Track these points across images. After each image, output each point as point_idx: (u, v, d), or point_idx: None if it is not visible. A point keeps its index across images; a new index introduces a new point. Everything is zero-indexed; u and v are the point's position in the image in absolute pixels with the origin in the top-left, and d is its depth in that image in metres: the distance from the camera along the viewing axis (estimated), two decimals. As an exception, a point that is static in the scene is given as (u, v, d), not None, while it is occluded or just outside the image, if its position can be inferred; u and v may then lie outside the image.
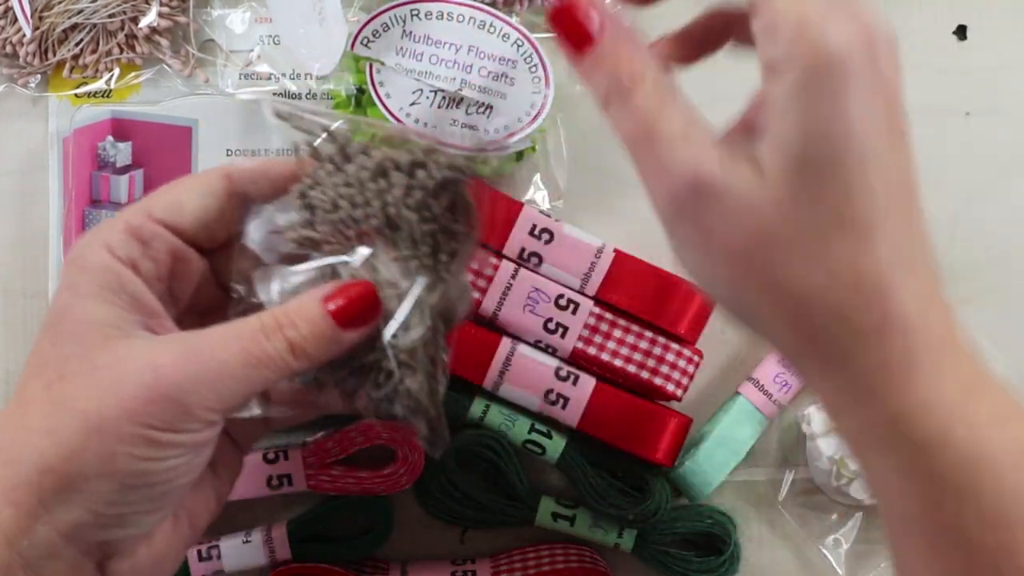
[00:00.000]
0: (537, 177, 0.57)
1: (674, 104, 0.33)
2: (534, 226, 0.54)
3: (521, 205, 0.54)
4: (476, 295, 0.53)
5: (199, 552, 0.53)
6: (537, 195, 0.57)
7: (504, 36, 0.53)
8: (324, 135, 0.39)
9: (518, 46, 0.53)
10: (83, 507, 0.34)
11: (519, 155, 0.55)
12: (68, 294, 0.37)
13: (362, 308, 0.37)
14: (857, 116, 0.30)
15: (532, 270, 0.54)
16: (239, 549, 0.54)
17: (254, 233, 0.39)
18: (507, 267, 0.53)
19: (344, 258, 0.38)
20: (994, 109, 0.59)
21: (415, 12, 0.53)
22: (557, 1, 0.34)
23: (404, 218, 0.38)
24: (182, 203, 0.39)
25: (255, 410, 0.39)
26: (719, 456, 0.55)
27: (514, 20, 0.54)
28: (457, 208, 0.39)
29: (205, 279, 0.41)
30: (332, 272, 0.39)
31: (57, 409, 0.34)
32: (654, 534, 0.55)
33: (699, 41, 0.39)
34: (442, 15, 0.53)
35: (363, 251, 0.38)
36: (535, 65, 0.53)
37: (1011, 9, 0.60)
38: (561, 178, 0.57)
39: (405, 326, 0.38)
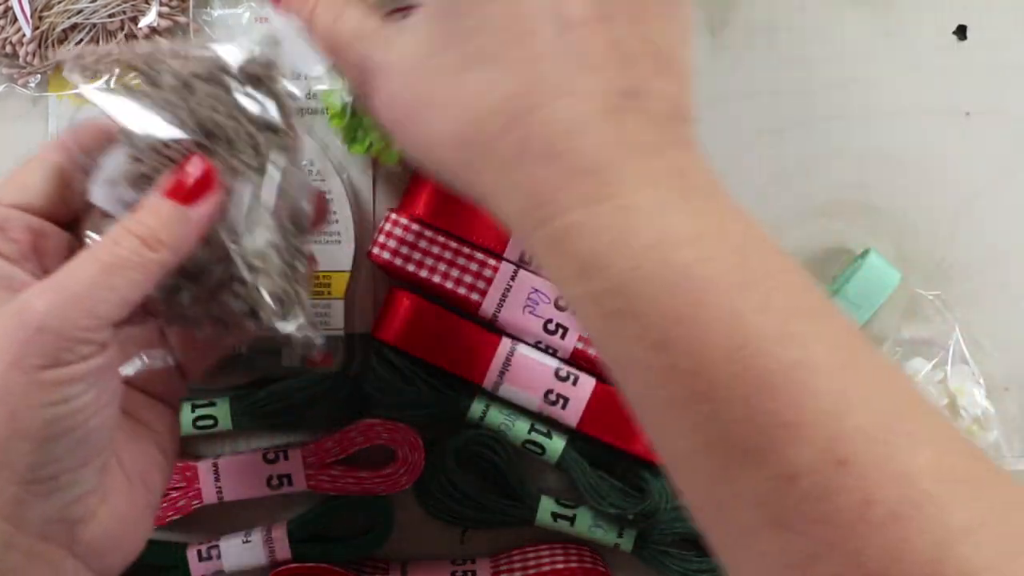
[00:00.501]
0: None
1: (342, 13, 0.37)
2: (534, 227, 0.54)
3: (521, 206, 0.54)
4: (476, 297, 0.53)
5: (199, 552, 0.53)
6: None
7: None
8: (132, 70, 0.40)
9: None
10: (11, 481, 0.34)
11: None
12: None
13: (197, 178, 0.38)
14: None
15: (535, 272, 0.54)
16: (239, 549, 0.54)
17: (97, 191, 0.39)
18: (507, 268, 0.53)
19: None
20: (994, 109, 0.59)
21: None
22: None
23: (218, 124, 0.38)
24: (26, 184, 0.40)
25: (152, 360, 0.40)
26: (719, 456, 0.55)
27: None
28: (270, 103, 0.39)
29: (73, 248, 0.41)
30: None
31: None
32: (654, 534, 0.55)
33: None
34: None
35: None
36: None
37: (1011, 9, 0.59)
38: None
39: (246, 229, 0.38)
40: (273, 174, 0.39)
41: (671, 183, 0.31)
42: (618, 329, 0.30)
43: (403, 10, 0.37)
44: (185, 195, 0.37)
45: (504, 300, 0.53)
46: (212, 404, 0.54)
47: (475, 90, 0.32)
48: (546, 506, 0.55)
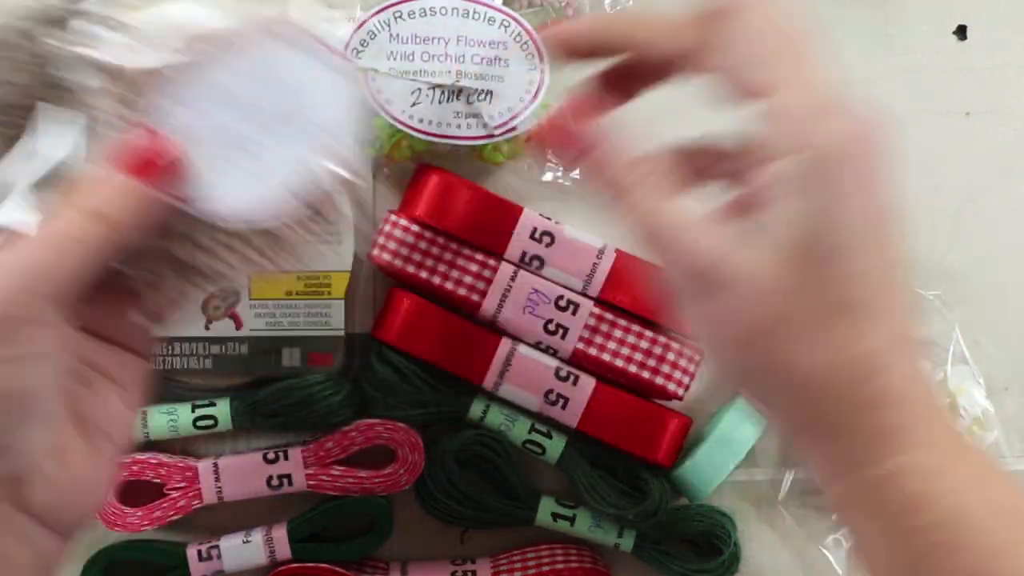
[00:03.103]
0: (549, 153, 0.56)
1: (671, 199, 0.35)
2: (535, 229, 0.54)
3: (521, 209, 0.54)
4: (476, 297, 0.53)
5: (199, 552, 0.54)
6: (548, 175, 0.56)
7: (490, 20, 0.53)
8: None
9: (505, 27, 0.53)
10: None
11: (528, 134, 0.55)
12: None
13: (148, 149, 0.36)
14: (856, 208, 0.33)
15: (535, 273, 0.54)
16: (239, 549, 0.54)
17: None
18: (507, 269, 0.53)
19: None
20: (994, 109, 0.59)
21: (398, 14, 0.53)
22: (541, 124, 0.36)
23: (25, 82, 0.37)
24: None
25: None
26: (719, 456, 0.55)
27: (496, 2, 0.53)
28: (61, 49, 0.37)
29: None
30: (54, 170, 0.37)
31: None
32: (654, 534, 0.55)
33: (635, 78, 0.41)
34: (424, 12, 0.53)
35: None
36: (526, 42, 0.53)
37: (1011, 9, 0.60)
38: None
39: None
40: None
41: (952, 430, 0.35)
42: (940, 560, 0.33)
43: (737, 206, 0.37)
44: (137, 168, 0.35)
45: (504, 300, 0.53)
46: (212, 404, 0.54)
47: (845, 335, 0.33)
48: (546, 506, 0.55)
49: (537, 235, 0.54)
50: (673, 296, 0.36)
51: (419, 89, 0.53)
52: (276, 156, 0.38)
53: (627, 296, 0.54)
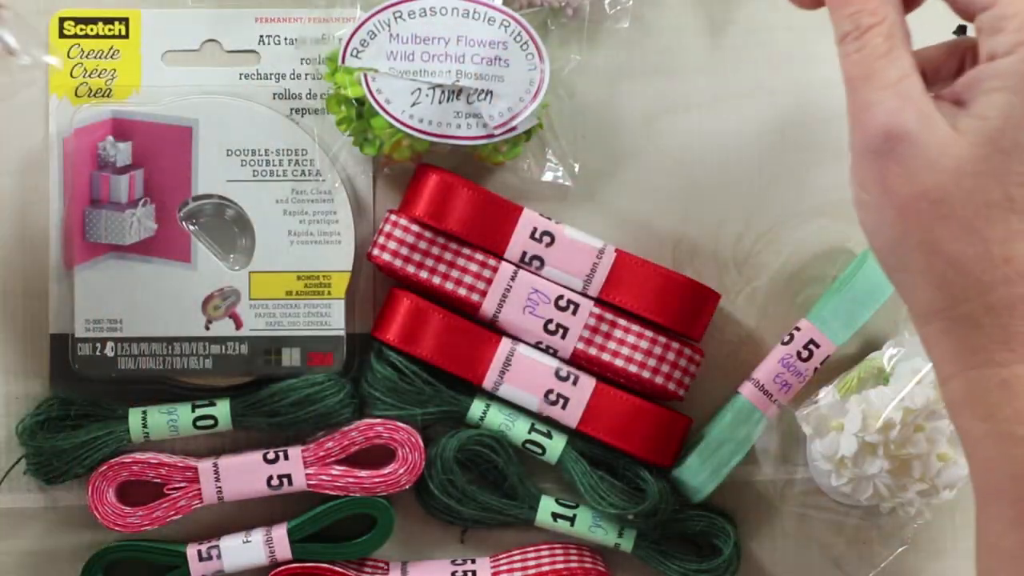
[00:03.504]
0: (549, 153, 0.56)
1: (900, 51, 0.36)
2: (534, 229, 0.54)
3: (521, 209, 0.54)
4: (476, 297, 0.53)
5: (199, 552, 0.53)
6: (548, 174, 0.56)
7: (489, 20, 0.53)
8: None
9: (505, 27, 0.53)
10: None
11: (527, 134, 0.55)
12: None
13: None
14: None
15: (534, 273, 0.54)
16: (239, 549, 0.54)
17: None
18: (507, 268, 0.53)
19: None
20: (994, 109, 0.59)
21: (398, 14, 0.53)
22: None
23: None
24: None
25: None
26: (719, 456, 0.55)
27: (496, 2, 0.53)
28: None
29: None
30: None
31: None
32: (654, 534, 0.55)
33: None
34: (424, 12, 0.53)
35: None
36: (526, 42, 0.53)
37: (1011, 9, 0.59)
38: (570, 151, 0.56)
39: None
40: None
41: None
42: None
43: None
44: None
45: (504, 300, 0.53)
46: (212, 404, 0.54)
47: (1010, 232, 0.34)
48: (546, 506, 0.55)
49: (537, 235, 0.54)
50: (852, 153, 0.37)
51: (419, 89, 0.53)
52: None
53: (627, 296, 0.54)
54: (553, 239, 0.54)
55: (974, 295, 0.34)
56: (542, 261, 0.54)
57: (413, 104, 0.53)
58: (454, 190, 0.54)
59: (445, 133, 0.53)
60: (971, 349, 0.34)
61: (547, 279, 0.54)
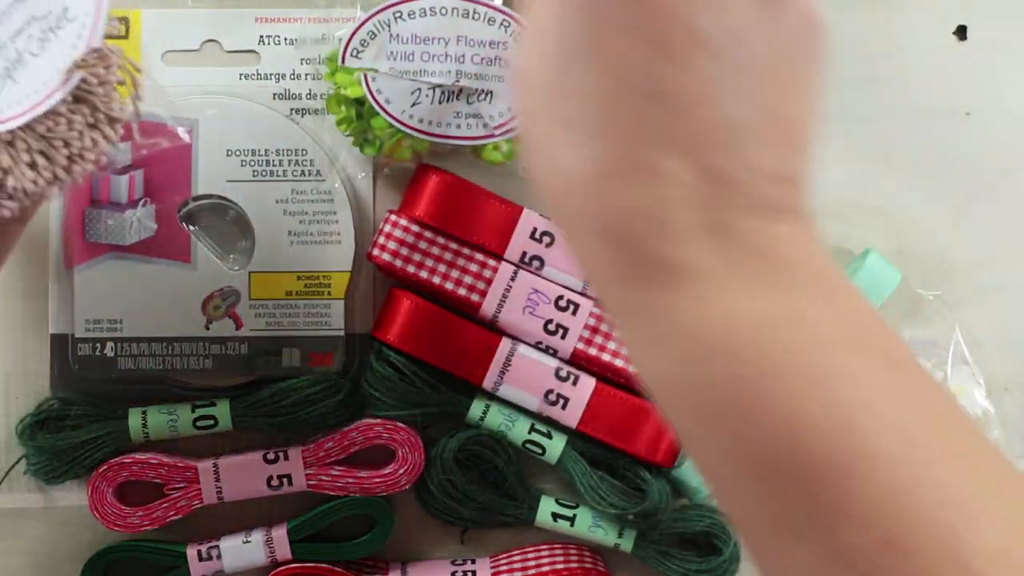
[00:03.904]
0: None
1: None
2: (535, 229, 0.54)
3: (521, 209, 0.54)
4: (476, 297, 0.53)
5: (199, 552, 0.54)
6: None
7: (490, 20, 0.53)
8: None
9: (505, 27, 0.53)
10: None
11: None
12: None
13: None
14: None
15: (534, 273, 0.54)
16: (239, 549, 0.54)
17: None
18: (507, 268, 0.53)
19: None
20: (994, 109, 0.59)
21: (398, 14, 0.53)
22: None
23: None
24: None
25: None
26: (719, 456, 0.55)
27: (496, 2, 0.53)
28: None
29: None
30: None
31: None
32: (654, 534, 0.55)
33: None
34: (424, 12, 0.53)
35: None
36: None
37: (1011, 9, 0.60)
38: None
39: None
40: None
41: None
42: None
43: None
44: None
45: (504, 301, 0.53)
46: (212, 404, 0.54)
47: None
48: (546, 506, 0.55)
49: (537, 235, 0.54)
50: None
51: (419, 89, 0.53)
52: (29, 55, 0.38)
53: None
54: (553, 239, 0.54)
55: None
56: (542, 261, 0.54)
57: (413, 104, 0.53)
58: (454, 190, 0.54)
59: (445, 133, 0.53)
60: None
61: (547, 279, 0.54)
